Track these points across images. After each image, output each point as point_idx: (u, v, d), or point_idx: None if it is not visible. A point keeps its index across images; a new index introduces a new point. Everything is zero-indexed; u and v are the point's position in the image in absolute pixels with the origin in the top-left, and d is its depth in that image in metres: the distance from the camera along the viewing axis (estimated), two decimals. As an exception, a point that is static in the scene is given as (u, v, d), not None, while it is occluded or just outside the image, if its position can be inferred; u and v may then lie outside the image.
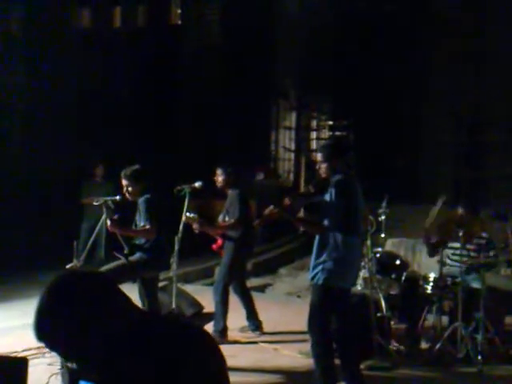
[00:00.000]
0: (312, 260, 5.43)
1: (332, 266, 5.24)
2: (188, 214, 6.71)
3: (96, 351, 1.77)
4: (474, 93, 16.46)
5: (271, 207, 5.43)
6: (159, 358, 1.76)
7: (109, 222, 6.14)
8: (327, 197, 5.27)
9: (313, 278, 5.37)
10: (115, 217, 6.23)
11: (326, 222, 5.30)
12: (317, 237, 5.40)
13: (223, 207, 7.46)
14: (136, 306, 1.94)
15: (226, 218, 7.30)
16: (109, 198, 6.43)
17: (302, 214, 5.60)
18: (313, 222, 5.53)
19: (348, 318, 5.50)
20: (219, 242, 7.35)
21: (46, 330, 1.77)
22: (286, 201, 5.57)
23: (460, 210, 7.23)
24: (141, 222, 6.29)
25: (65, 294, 1.78)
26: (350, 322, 5.53)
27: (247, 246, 7.47)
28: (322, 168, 5.45)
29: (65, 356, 1.83)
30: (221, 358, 1.89)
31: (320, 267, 5.29)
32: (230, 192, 7.31)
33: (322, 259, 5.28)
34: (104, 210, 6.28)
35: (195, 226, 6.97)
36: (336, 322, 5.43)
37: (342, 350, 5.48)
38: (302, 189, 5.96)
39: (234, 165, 7.38)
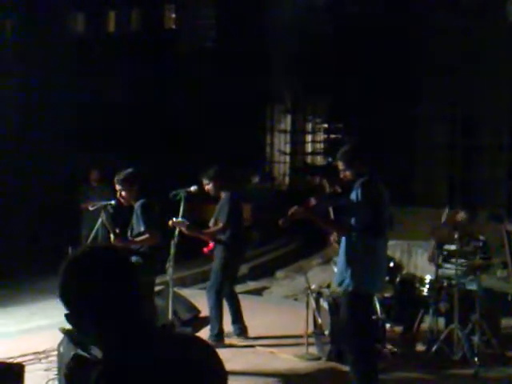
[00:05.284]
0: (339, 263, 5.28)
1: (362, 271, 5.10)
2: (174, 218, 6.68)
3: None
4: (468, 95, 16.49)
5: (296, 207, 5.24)
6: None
7: (112, 236, 6.12)
8: (353, 196, 5.13)
9: (340, 284, 5.23)
10: (117, 230, 6.18)
11: (352, 223, 5.14)
12: (343, 239, 5.25)
13: (216, 211, 7.46)
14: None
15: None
16: (104, 203, 6.42)
17: (331, 215, 5.45)
18: (339, 222, 5.37)
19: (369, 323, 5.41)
20: (211, 245, 7.35)
21: (64, 289, 1.84)
22: (312, 201, 5.42)
23: (459, 213, 7.23)
24: (139, 227, 6.24)
25: (84, 267, 1.83)
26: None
27: (238, 250, 7.44)
28: (347, 175, 5.29)
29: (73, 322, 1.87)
30: (220, 364, 1.90)
31: (349, 272, 5.13)
32: (223, 195, 7.32)
33: (350, 263, 5.13)
34: (102, 214, 6.27)
35: (183, 230, 6.94)
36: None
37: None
38: (328, 189, 5.82)
39: (214, 167, 7.33)
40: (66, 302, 1.83)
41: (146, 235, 6.14)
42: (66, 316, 1.84)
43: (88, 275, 1.82)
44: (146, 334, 1.84)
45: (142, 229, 6.21)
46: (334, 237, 6.15)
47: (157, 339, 1.84)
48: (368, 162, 5.33)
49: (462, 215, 7.20)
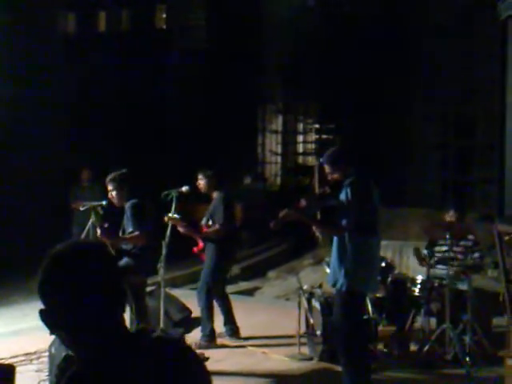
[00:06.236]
0: (332, 263, 5.29)
1: (355, 270, 5.11)
2: (170, 214, 6.68)
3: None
4: (460, 95, 16.54)
5: (286, 209, 5.26)
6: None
7: (99, 231, 6.08)
8: (342, 196, 5.14)
9: (334, 285, 5.24)
10: (105, 225, 6.15)
11: (344, 223, 5.15)
12: (335, 239, 5.26)
13: (207, 211, 7.45)
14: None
15: (210, 222, 7.29)
16: (95, 203, 6.39)
17: (319, 216, 5.47)
18: (330, 223, 5.36)
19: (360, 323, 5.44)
20: (200, 245, 7.34)
21: (42, 284, 1.82)
22: (302, 202, 5.40)
23: (448, 213, 7.24)
24: (129, 227, 6.22)
25: (65, 263, 1.78)
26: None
27: (230, 250, 7.43)
28: (335, 177, 5.30)
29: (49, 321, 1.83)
30: (202, 369, 1.85)
31: (342, 272, 5.13)
32: (215, 195, 7.31)
33: (343, 263, 5.14)
34: (92, 215, 6.23)
35: (180, 228, 6.96)
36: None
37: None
38: (318, 190, 5.83)
39: (214, 167, 7.36)
40: (43, 298, 1.79)
41: (136, 233, 6.13)
42: (41, 312, 1.78)
43: (66, 271, 1.76)
44: (124, 336, 1.77)
45: (131, 229, 6.19)
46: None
47: (136, 343, 1.76)
48: (354, 163, 5.35)
49: (450, 215, 7.22)
